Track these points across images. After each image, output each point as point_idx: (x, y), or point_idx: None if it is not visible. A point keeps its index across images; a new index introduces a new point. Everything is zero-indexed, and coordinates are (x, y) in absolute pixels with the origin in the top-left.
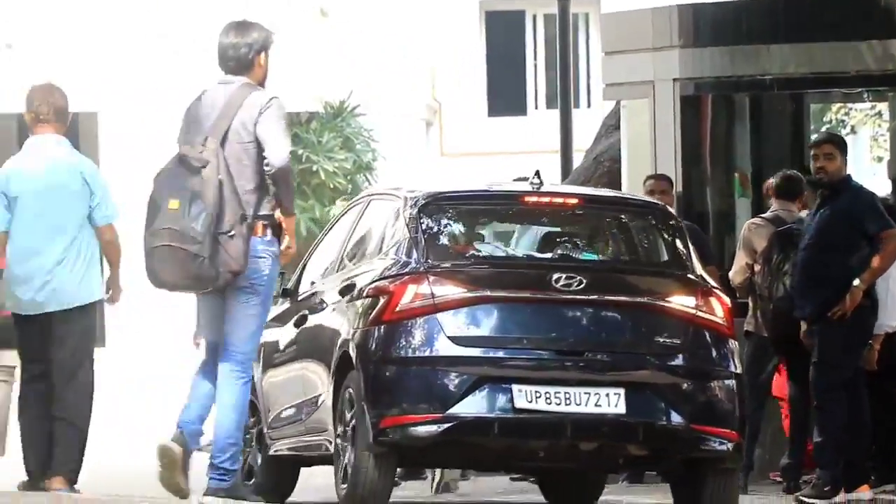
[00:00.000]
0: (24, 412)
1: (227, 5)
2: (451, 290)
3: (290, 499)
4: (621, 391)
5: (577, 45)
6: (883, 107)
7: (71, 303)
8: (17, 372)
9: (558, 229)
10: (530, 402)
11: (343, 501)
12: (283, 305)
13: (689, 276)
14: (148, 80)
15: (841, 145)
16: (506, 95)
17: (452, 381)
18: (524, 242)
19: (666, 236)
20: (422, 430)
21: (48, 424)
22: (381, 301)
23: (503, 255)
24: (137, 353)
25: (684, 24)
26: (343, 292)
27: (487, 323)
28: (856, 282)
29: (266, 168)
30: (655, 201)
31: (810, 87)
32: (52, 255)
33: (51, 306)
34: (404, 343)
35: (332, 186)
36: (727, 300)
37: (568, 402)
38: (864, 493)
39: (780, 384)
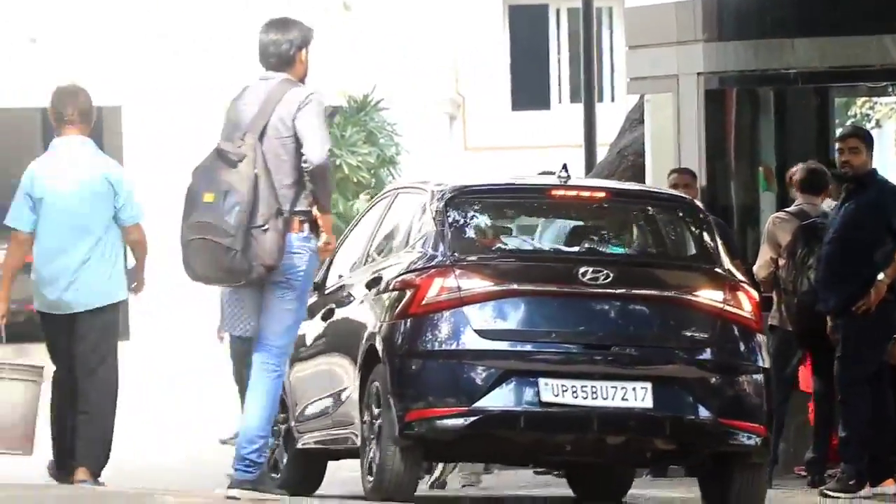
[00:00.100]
0: (54, 410)
1: (254, 1)
2: (477, 284)
3: (316, 492)
4: (648, 385)
5: (601, 38)
6: None
7: (96, 303)
8: (45, 371)
9: (586, 223)
10: (557, 395)
11: (369, 495)
12: (311, 299)
13: (718, 269)
14: (172, 75)
15: (866, 139)
16: (529, 89)
17: (479, 374)
18: (548, 236)
19: (694, 230)
20: (448, 423)
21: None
22: (408, 294)
23: (530, 248)
24: (162, 346)
25: (708, 18)
26: (370, 286)
27: (514, 316)
28: (880, 276)
29: (304, 165)
30: (683, 195)
31: (835, 81)
32: (77, 256)
33: (76, 306)
34: (430, 336)
35: (355, 181)
36: (755, 294)
37: (595, 395)
38: (889, 486)
39: (808, 378)
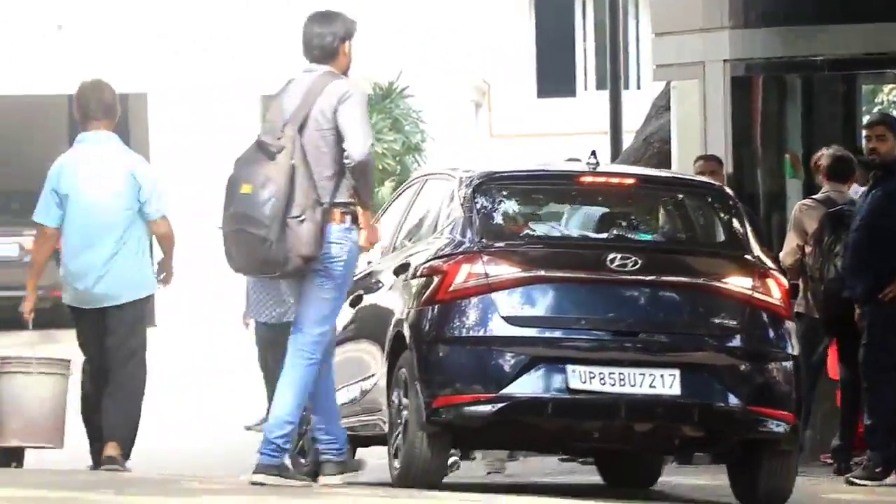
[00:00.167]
0: (85, 402)
1: None
2: (505, 270)
3: None
4: (676, 372)
5: (627, 26)
6: None
7: (124, 297)
8: (72, 365)
9: (614, 209)
10: (584, 382)
11: (396, 481)
12: None
13: (747, 256)
14: (198, 62)
15: (893, 126)
16: (555, 77)
17: (506, 361)
18: (574, 222)
19: (723, 216)
20: (475, 409)
21: None
22: (435, 280)
23: (558, 234)
24: (188, 333)
25: (734, 5)
26: (398, 272)
27: (542, 303)
28: None
29: (346, 161)
30: (712, 182)
31: (862, 68)
32: (104, 251)
33: (105, 301)
34: (458, 323)
35: (380, 168)
36: (784, 281)
37: (622, 382)
38: None
39: (835, 365)
